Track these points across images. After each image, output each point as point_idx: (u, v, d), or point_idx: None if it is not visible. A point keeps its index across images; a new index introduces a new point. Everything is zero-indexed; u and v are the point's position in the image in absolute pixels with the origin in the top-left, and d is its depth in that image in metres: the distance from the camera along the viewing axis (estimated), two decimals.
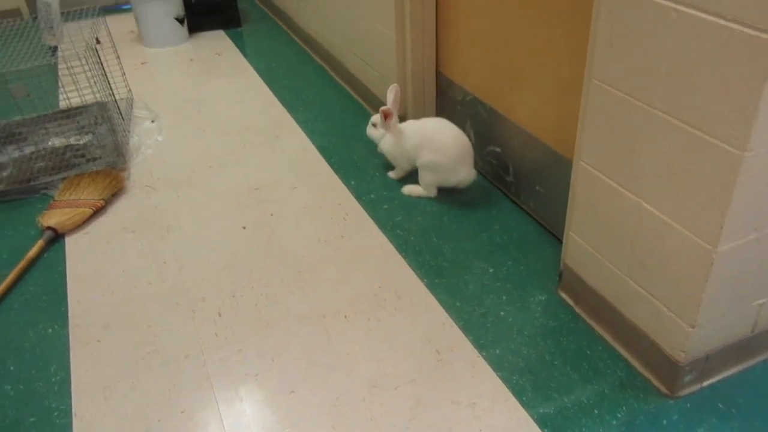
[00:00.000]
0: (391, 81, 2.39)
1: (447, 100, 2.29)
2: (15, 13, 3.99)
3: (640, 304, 1.39)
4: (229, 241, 1.95)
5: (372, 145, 2.40)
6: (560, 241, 1.79)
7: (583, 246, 1.53)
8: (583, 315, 1.59)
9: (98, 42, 2.35)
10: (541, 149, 1.82)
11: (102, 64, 2.33)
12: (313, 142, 2.46)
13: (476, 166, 2.20)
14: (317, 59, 3.24)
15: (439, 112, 2.36)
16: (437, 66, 2.28)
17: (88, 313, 1.71)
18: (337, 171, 2.27)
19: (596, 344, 1.52)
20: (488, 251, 1.84)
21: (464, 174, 2.01)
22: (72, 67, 2.25)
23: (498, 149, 2.04)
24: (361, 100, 2.76)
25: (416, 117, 2.36)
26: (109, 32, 2.61)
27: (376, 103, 2.59)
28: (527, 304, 1.65)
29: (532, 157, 1.88)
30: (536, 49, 1.72)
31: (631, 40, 1.19)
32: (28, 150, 2.47)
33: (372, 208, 2.07)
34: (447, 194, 2.10)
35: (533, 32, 1.71)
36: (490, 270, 1.77)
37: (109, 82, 2.38)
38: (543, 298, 1.67)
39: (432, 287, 1.72)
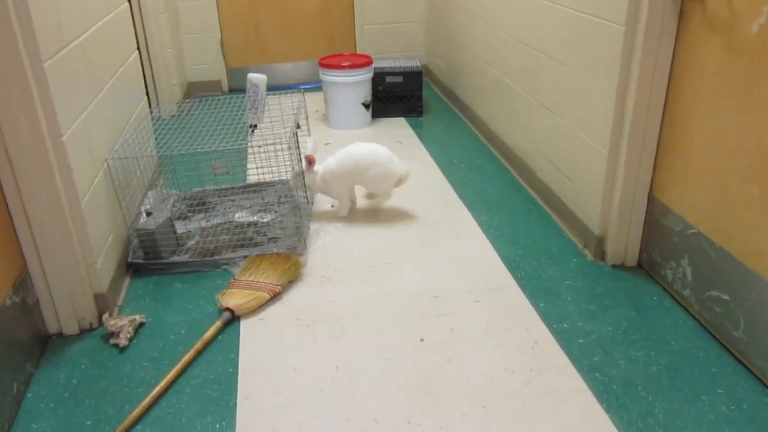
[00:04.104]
0: (592, 197, 2.19)
1: (659, 228, 2.03)
2: (216, 84, 4.31)
3: None
4: (405, 354, 1.80)
5: (565, 265, 2.20)
6: None
7: None
8: None
9: (298, 127, 2.39)
10: None
11: (298, 148, 2.35)
12: (497, 251, 2.30)
13: (691, 309, 1.91)
14: (501, 159, 3.12)
15: (648, 240, 2.11)
16: (651, 190, 2.05)
17: (255, 413, 1.61)
18: (523, 288, 2.08)
19: None
20: (713, 422, 1.53)
21: None
22: (271, 150, 2.29)
23: (725, 297, 1.74)
24: (550, 211, 2.57)
25: (618, 242, 2.13)
26: (307, 116, 2.66)
27: (570, 217, 2.39)
28: None
29: None
30: None
31: None
32: (216, 221, 2.53)
33: (565, 339, 1.84)
34: (653, 338, 1.82)
35: None
36: None
37: (301, 164, 2.40)
38: None
39: None
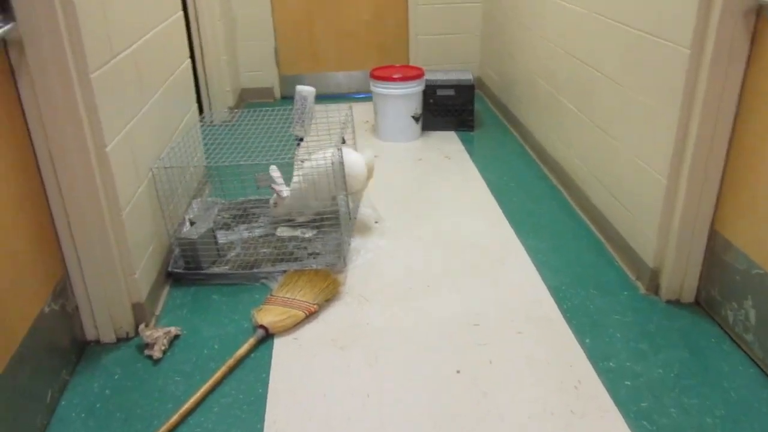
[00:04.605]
0: (648, 226, 2.06)
1: (720, 265, 1.90)
2: (268, 91, 4.32)
3: None
4: (440, 385, 1.73)
5: (615, 297, 2.08)
6: None
7: None
8: None
9: (344, 142, 2.35)
10: None
11: (343, 163, 2.31)
12: (543, 279, 2.19)
13: (753, 355, 1.77)
14: (553, 179, 3.00)
15: (707, 277, 1.97)
16: (713, 223, 1.92)
17: None
18: (569, 321, 1.97)
19: None
20: None
21: None
22: (315, 166, 2.26)
23: None
24: (602, 238, 2.45)
25: (674, 276, 2.01)
26: (354, 131, 2.62)
27: (623, 245, 2.27)
28: None
29: None
30: None
31: None
32: (258, 232, 2.51)
33: (611, 380, 1.73)
34: (709, 385, 1.69)
35: None
36: None
37: (345, 180, 2.36)
38: None
39: None
